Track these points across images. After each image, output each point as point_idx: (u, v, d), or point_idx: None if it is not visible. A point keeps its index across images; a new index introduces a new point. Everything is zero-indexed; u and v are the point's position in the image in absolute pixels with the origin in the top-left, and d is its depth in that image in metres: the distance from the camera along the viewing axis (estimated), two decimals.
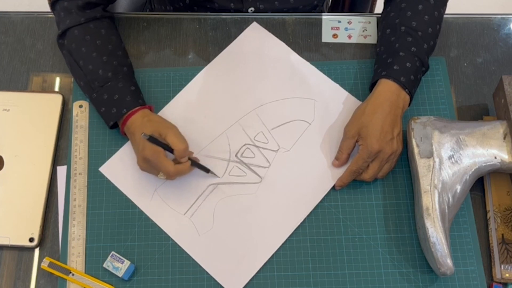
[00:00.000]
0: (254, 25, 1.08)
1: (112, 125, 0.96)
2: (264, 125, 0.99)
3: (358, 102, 1.00)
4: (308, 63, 1.04)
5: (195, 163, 0.93)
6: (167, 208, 0.94)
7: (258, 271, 0.90)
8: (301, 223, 0.93)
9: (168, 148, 0.90)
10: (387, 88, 0.93)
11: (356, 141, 0.93)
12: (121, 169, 0.96)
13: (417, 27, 0.96)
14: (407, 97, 0.94)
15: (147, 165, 0.91)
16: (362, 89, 1.02)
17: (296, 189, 0.95)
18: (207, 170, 0.94)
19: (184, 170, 0.91)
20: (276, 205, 0.94)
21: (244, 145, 0.98)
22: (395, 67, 0.94)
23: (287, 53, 1.05)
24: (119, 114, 0.94)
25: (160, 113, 1.00)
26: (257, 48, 1.06)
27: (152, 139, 0.89)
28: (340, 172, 0.95)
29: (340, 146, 0.95)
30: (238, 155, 0.97)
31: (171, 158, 0.90)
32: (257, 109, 1.00)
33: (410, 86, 0.94)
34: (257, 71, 1.04)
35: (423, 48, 0.95)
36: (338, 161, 0.95)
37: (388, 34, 0.99)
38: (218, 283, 0.89)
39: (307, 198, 0.94)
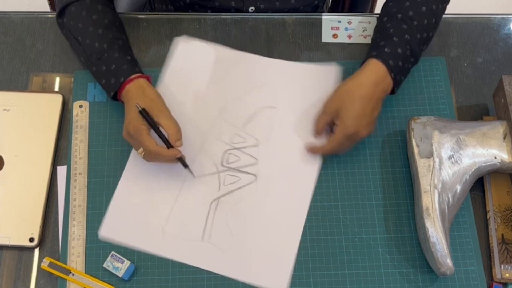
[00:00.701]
0: (181, 39, 1.06)
1: (113, 96, 0.96)
2: (234, 126, 0.99)
3: (318, 67, 1.03)
4: (251, 54, 1.05)
5: (180, 158, 0.91)
6: (182, 242, 0.91)
7: None
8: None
9: (156, 129, 0.89)
10: (375, 70, 0.93)
11: (334, 119, 0.94)
12: (120, 224, 0.93)
13: (413, 17, 0.96)
14: (391, 83, 0.94)
15: (129, 139, 0.90)
16: None
17: (291, 171, 0.95)
18: (185, 165, 0.92)
19: (165, 154, 0.88)
20: (280, 194, 0.94)
21: (225, 152, 0.97)
22: (386, 50, 0.94)
23: (226, 52, 1.05)
24: (117, 83, 0.93)
25: None
26: (194, 58, 1.04)
27: (144, 113, 0.88)
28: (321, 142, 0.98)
29: (317, 120, 0.96)
30: (224, 164, 0.97)
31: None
32: (220, 114, 1.00)
33: (396, 72, 0.94)
34: (205, 80, 1.02)
35: (416, 37, 0.96)
36: (315, 134, 0.97)
37: (385, 22, 0.99)
38: (218, 283, 0.89)
39: (305, 175, 0.95)
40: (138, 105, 0.89)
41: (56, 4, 1.01)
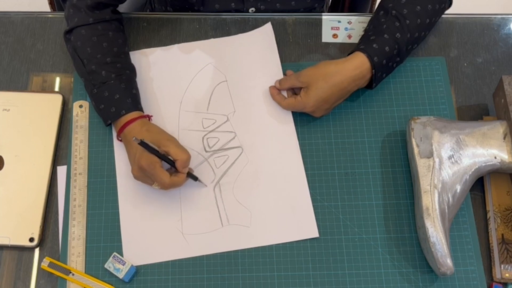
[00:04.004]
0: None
1: (109, 123, 0.96)
2: (198, 112, 1.01)
3: (251, 32, 1.06)
4: (184, 44, 1.06)
5: (188, 173, 0.92)
6: (206, 236, 0.92)
7: (258, 271, 0.90)
8: None
9: (162, 157, 0.89)
10: (359, 65, 0.95)
11: (302, 88, 0.96)
12: (138, 248, 0.92)
13: (407, 15, 0.97)
14: (369, 79, 0.97)
15: (141, 174, 0.90)
16: (361, 89, 1.02)
17: (270, 129, 0.99)
18: (195, 179, 0.94)
19: (179, 182, 0.90)
20: (270, 152, 0.97)
21: (202, 138, 0.99)
22: (374, 45, 0.95)
23: (162, 50, 1.06)
24: (117, 114, 0.93)
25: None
26: (140, 67, 1.04)
27: (144, 144, 0.88)
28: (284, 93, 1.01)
29: (285, 79, 0.99)
30: (207, 149, 0.98)
31: (166, 168, 0.90)
32: (180, 107, 1.01)
33: (378, 69, 0.95)
34: (155, 83, 1.03)
35: (406, 37, 0.96)
36: (278, 87, 1.00)
37: (380, 15, 1.00)
38: (217, 283, 0.89)
39: (284, 127, 0.99)
40: (135, 138, 0.88)
41: (66, 20, 1.00)
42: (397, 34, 0.96)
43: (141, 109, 0.96)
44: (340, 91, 0.95)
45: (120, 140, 0.96)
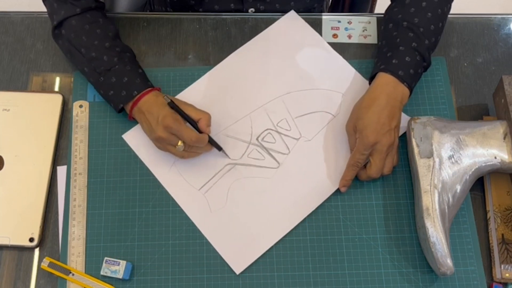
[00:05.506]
0: (292, 13, 1.09)
1: (120, 109, 0.97)
2: (289, 112, 1.00)
3: None
4: (341, 57, 1.05)
5: (211, 139, 0.94)
6: (182, 182, 0.95)
7: (258, 271, 0.90)
8: (301, 222, 0.93)
9: (187, 118, 0.92)
10: (385, 81, 0.93)
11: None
12: (144, 138, 0.97)
13: (419, 24, 0.96)
14: (406, 90, 0.94)
15: (166, 135, 0.90)
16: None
17: (312, 179, 0.95)
18: (219, 148, 0.96)
19: (204, 140, 0.92)
20: (290, 192, 0.94)
21: (266, 129, 0.99)
22: (393, 61, 0.94)
23: (320, 44, 1.06)
24: (129, 96, 0.94)
25: (187, 90, 1.02)
26: (291, 36, 1.07)
27: (172, 104, 0.91)
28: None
29: (349, 144, 0.96)
30: (259, 139, 0.98)
31: None
32: (283, 96, 1.01)
33: (409, 80, 0.94)
34: (288, 59, 1.04)
35: (424, 43, 0.95)
36: (351, 163, 0.94)
37: (390, 29, 0.99)
38: (218, 283, 0.89)
39: (321, 189, 0.95)
40: (166, 96, 0.91)
41: (51, 16, 1.00)
42: (413, 43, 0.94)
43: (151, 85, 0.97)
44: (383, 110, 0.90)
45: (132, 119, 0.97)
